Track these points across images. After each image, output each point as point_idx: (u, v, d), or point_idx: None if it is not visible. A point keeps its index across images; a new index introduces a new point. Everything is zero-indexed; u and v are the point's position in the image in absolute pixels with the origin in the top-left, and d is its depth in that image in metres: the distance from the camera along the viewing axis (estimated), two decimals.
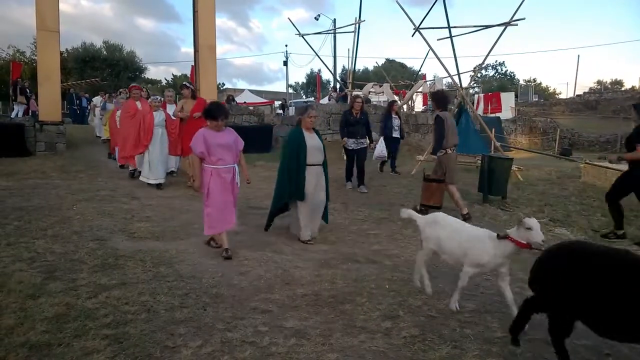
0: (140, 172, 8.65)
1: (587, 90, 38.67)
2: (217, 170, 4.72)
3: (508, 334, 3.07)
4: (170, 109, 8.93)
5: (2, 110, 25.18)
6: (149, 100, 8.93)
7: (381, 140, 10.27)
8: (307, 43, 18.30)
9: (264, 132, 14.88)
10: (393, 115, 10.59)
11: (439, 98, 7.23)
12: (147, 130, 8.24)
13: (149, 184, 8.26)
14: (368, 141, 8.93)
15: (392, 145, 10.49)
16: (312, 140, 5.49)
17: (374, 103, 20.74)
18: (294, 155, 5.38)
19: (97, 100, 16.84)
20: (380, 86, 20.55)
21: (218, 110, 4.79)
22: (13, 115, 15.81)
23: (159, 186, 8.30)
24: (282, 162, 5.59)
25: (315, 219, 5.58)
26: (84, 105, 21.35)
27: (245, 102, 26.50)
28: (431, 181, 6.93)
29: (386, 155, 10.28)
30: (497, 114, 22.04)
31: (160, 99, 8.73)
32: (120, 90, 13.10)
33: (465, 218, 6.33)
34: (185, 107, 8.43)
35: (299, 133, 5.47)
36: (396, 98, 20.25)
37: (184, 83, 9.09)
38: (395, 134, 10.52)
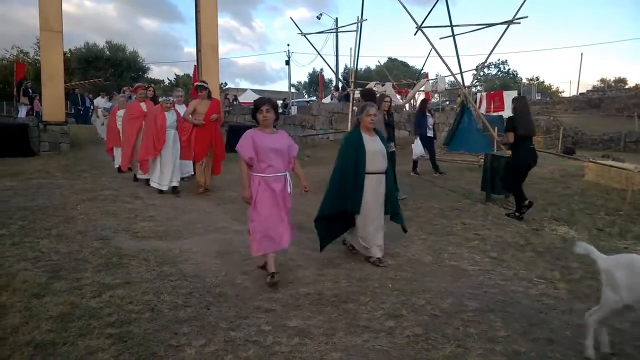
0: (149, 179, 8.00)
1: (590, 88, 38.60)
2: (266, 179, 3.98)
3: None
4: (180, 109, 8.17)
5: (6, 110, 25.22)
6: (161, 100, 8.21)
7: (417, 140, 9.93)
8: (310, 42, 18.32)
9: None
10: (427, 114, 10.14)
11: (365, 94, 7.98)
12: (159, 133, 7.54)
13: (161, 190, 7.68)
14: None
15: (429, 144, 10.04)
16: (373, 143, 4.69)
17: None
18: (351, 161, 4.62)
19: (99, 101, 16.77)
20: (383, 85, 20.48)
21: (261, 100, 4.14)
22: (19, 115, 15.83)
23: (174, 189, 7.76)
24: (336, 168, 4.81)
25: (378, 233, 4.72)
26: (87, 106, 21.40)
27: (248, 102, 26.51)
28: None
29: (424, 154, 9.88)
30: (500, 113, 21.94)
31: (172, 100, 8.06)
32: (124, 89, 12.84)
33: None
34: (199, 109, 7.73)
35: (357, 135, 4.69)
36: (399, 97, 20.25)
37: (200, 83, 8.06)
38: (430, 133, 10.11)
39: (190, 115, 7.71)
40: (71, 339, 2.90)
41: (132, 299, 3.53)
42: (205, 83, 8.08)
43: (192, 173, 8.77)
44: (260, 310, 3.46)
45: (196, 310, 3.41)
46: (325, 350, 2.90)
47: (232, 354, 2.82)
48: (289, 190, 4.11)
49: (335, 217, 4.74)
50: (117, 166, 9.65)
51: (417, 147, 9.82)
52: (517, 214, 6.69)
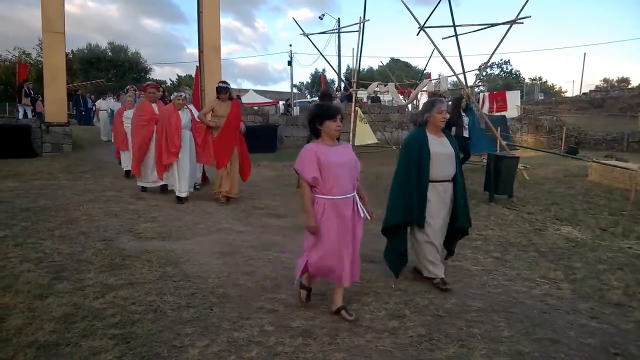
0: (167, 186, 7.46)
1: (593, 88, 38.56)
2: (333, 202, 3.27)
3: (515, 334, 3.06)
4: (184, 112, 7.29)
5: (8, 112, 25.31)
6: (172, 97, 7.33)
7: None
8: (312, 43, 18.27)
9: (269, 132, 14.91)
10: (462, 113, 9.38)
11: (322, 96, 8.64)
12: (174, 134, 6.89)
13: (180, 197, 7.13)
14: None
15: (465, 145, 9.27)
16: (440, 145, 4.03)
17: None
18: (414, 165, 3.98)
19: (100, 103, 16.70)
20: (385, 85, 20.48)
21: (327, 107, 3.43)
22: (20, 116, 15.82)
23: (180, 200, 7.11)
24: (398, 173, 4.16)
25: (440, 252, 4.18)
26: (89, 107, 21.46)
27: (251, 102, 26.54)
28: None
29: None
30: (503, 113, 21.97)
31: (185, 96, 7.33)
32: (128, 87, 12.68)
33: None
34: (219, 111, 7.08)
35: (422, 136, 4.03)
36: (401, 97, 20.23)
37: (222, 85, 7.22)
38: (466, 134, 9.42)
39: (205, 117, 7.18)
40: (74, 340, 2.90)
41: (135, 300, 3.53)
42: (227, 83, 7.35)
43: (201, 182, 8.44)
44: (263, 310, 3.46)
45: (199, 310, 3.41)
46: (329, 351, 2.90)
47: (235, 355, 2.82)
48: (362, 215, 3.40)
49: (401, 231, 4.17)
50: (125, 169, 9.32)
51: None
52: None
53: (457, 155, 4.14)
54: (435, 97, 4.79)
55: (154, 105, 7.74)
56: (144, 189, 7.83)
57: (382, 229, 4.24)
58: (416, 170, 3.97)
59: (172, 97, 7.26)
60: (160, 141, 7.05)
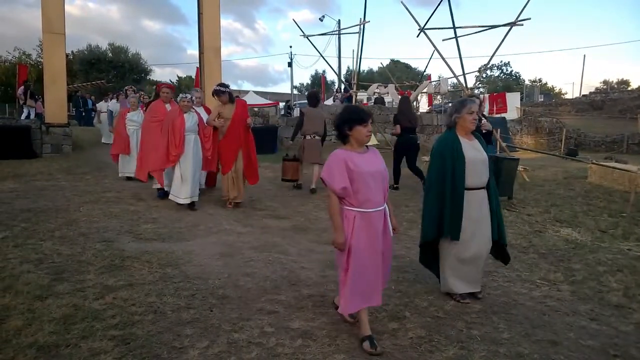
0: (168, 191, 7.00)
1: (593, 90, 38.54)
2: (364, 215, 2.97)
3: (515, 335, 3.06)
4: (189, 115, 6.83)
5: (8, 112, 25.32)
6: (178, 99, 6.82)
7: None
8: (312, 44, 18.35)
9: (269, 133, 14.91)
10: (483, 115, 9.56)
11: (309, 96, 9.28)
12: (176, 138, 6.49)
13: (179, 204, 6.72)
14: None
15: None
16: (473, 150, 3.72)
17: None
18: (448, 172, 3.66)
19: (102, 105, 16.59)
20: (385, 87, 20.52)
21: (357, 111, 3.14)
22: (23, 117, 15.73)
23: (191, 206, 6.74)
24: (431, 182, 3.84)
25: (473, 269, 3.78)
26: (89, 107, 21.44)
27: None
28: (288, 161, 8.68)
29: None
30: (503, 115, 22.00)
31: (191, 98, 6.92)
32: (126, 88, 12.10)
33: (312, 190, 8.34)
34: (224, 113, 6.84)
35: (454, 140, 3.72)
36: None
37: (218, 88, 6.95)
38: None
39: (216, 121, 6.87)
40: (74, 341, 2.90)
41: (135, 301, 3.53)
42: (225, 86, 7.04)
43: (204, 187, 7.99)
44: (263, 312, 3.46)
45: (199, 312, 3.41)
46: (329, 352, 2.90)
47: (235, 356, 2.82)
48: (389, 228, 3.11)
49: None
50: (123, 176, 8.99)
51: None
52: (395, 187, 8.70)
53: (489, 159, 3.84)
54: (466, 97, 4.34)
55: (167, 105, 7.51)
56: (162, 192, 7.20)
57: (420, 244, 3.97)
58: (450, 178, 3.64)
59: (178, 99, 6.77)
60: (161, 144, 6.65)
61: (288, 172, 8.67)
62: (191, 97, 6.78)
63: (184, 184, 6.61)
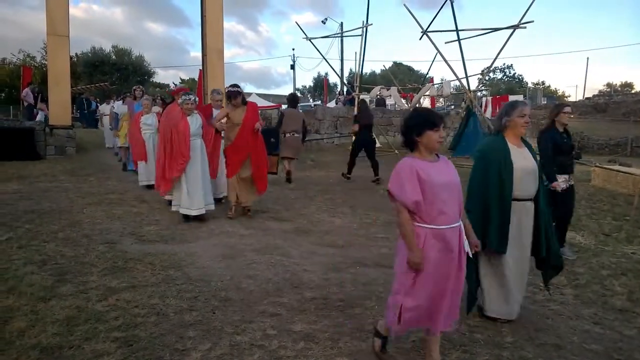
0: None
1: (596, 93, 38.45)
2: (438, 232, 2.59)
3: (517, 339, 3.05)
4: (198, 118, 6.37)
5: (12, 114, 25.39)
6: (180, 101, 6.18)
7: None
8: (315, 47, 18.29)
9: (272, 135, 14.93)
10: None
11: (288, 99, 10.39)
12: (182, 143, 5.96)
13: (185, 215, 6.10)
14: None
15: None
16: (522, 158, 3.38)
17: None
18: (494, 181, 3.32)
19: (104, 108, 16.46)
20: (388, 89, 20.51)
21: (427, 113, 2.78)
22: (38, 119, 15.26)
23: (187, 218, 6.11)
24: (473, 189, 3.46)
25: (516, 287, 3.44)
26: (92, 109, 21.48)
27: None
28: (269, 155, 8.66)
29: None
30: None
31: (195, 99, 6.26)
32: (134, 88, 10.65)
33: (288, 178, 9.37)
34: (234, 117, 6.30)
35: (503, 146, 3.38)
36: (404, 101, 20.24)
37: (234, 89, 6.37)
38: None
39: (219, 122, 6.38)
40: (77, 343, 2.91)
41: (137, 303, 3.53)
42: (237, 87, 6.47)
43: (222, 195, 7.31)
44: (266, 314, 3.46)
45: (202, 314, 3.41)
46: (331, 355, 2.90)
47: (237, 358, 2.82)
48: (465, 247, 2.69)
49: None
50: (143, 184, 8.37)
51: None
52: (347, 176, 9.90)
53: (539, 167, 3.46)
54: (516, 100, 3.88)
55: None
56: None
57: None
58: (497, 188, 3.30)
59: (180, 101, 6.20)
60: (164, 151, 6.12)
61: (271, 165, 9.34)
62: (194, 99, 6.26)
63: (195, 194, 6.05)
